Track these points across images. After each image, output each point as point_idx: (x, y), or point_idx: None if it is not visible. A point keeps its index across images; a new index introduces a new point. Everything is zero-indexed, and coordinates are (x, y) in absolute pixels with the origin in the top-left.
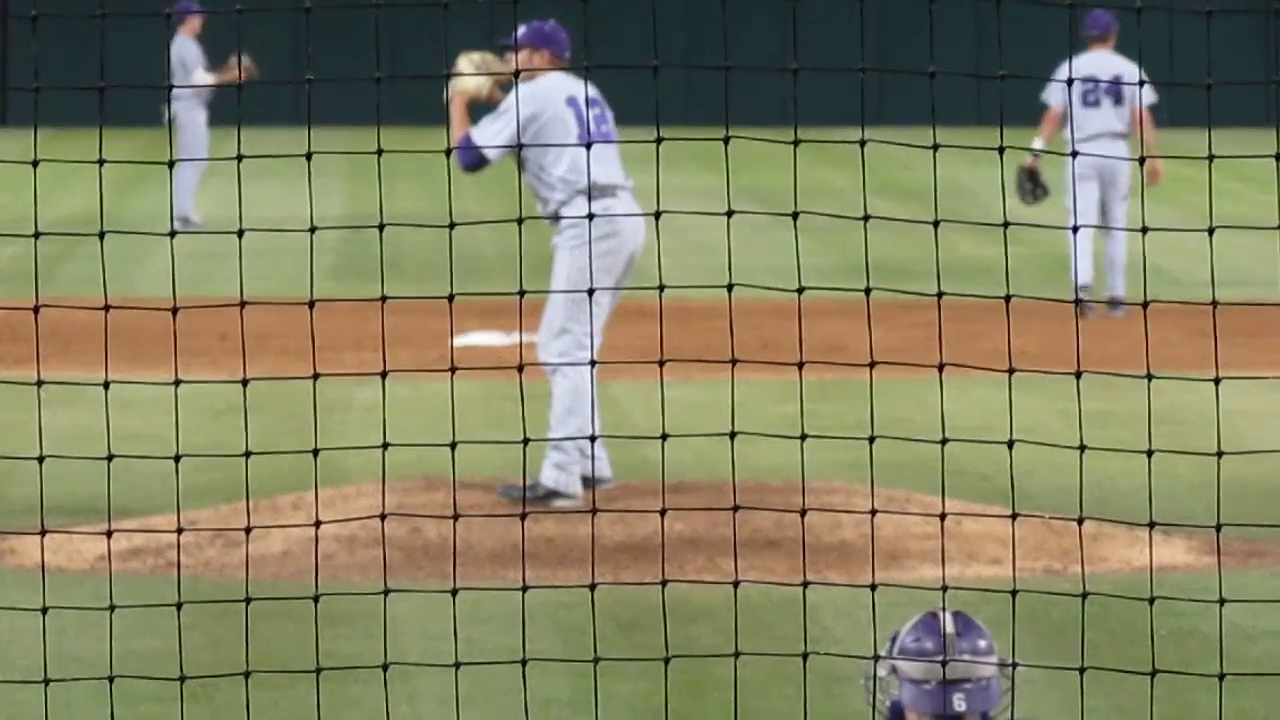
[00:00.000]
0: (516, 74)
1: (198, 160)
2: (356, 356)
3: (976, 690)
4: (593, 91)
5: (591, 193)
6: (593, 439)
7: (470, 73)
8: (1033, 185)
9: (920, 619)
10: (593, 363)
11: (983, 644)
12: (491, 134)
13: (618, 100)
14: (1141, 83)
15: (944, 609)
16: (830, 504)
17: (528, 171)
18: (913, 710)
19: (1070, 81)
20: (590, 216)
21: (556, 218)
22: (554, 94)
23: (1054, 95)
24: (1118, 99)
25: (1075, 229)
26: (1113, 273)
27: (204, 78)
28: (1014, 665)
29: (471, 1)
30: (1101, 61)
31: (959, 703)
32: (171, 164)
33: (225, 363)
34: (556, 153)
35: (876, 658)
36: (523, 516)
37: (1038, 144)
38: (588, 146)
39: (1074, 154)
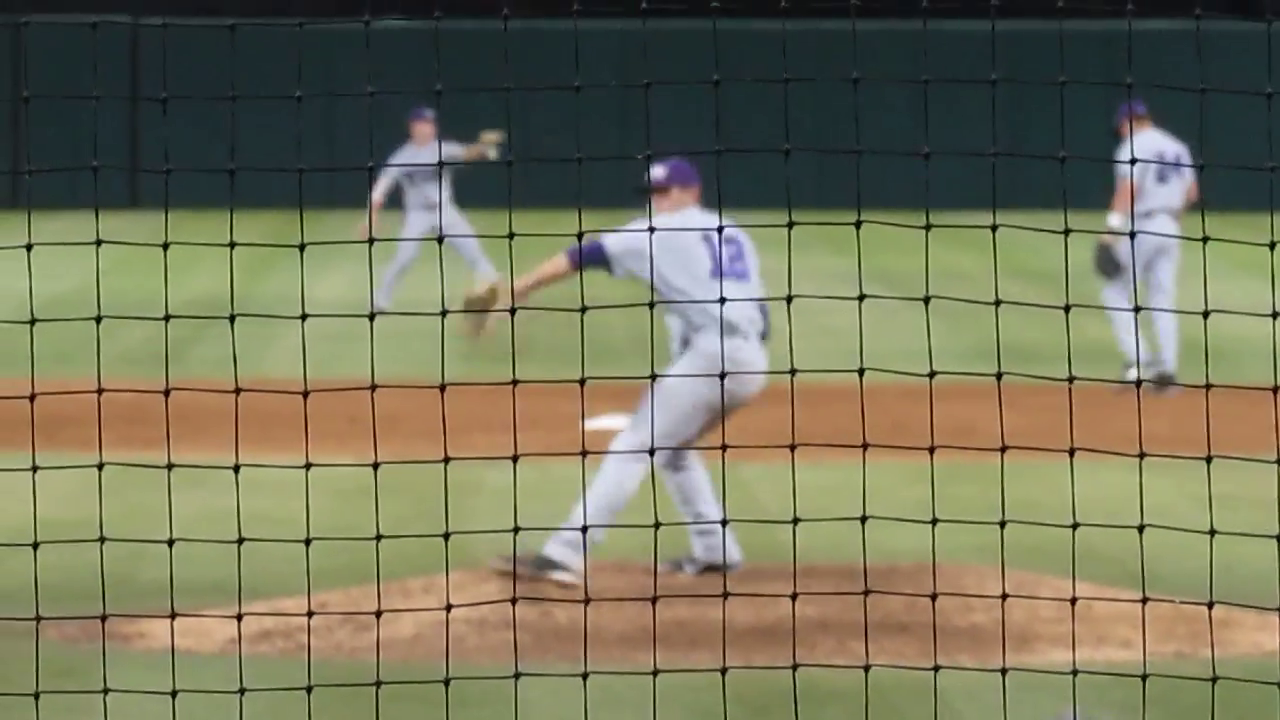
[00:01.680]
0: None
1: (408, 254)
2: (487, 439)
3: None
4: (733, 229)
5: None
6: (724, 522)
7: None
8: (1112, 264)
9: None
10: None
11: None
12: (622, 246)
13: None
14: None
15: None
16: (961, 587)
17: (659, 295)
18: None
19: (1133, 161)
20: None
21: (685, 342)
22: (689, 232)
23: (1125, 172)
24: (1179, 176)
25: (1138, 309)
26: (1169, 350)
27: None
28: None
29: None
30: (1159, 139)
31: None
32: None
33: (355, 445)
34: (687, 281)
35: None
36: (654, 600)
37: (1115, 221)
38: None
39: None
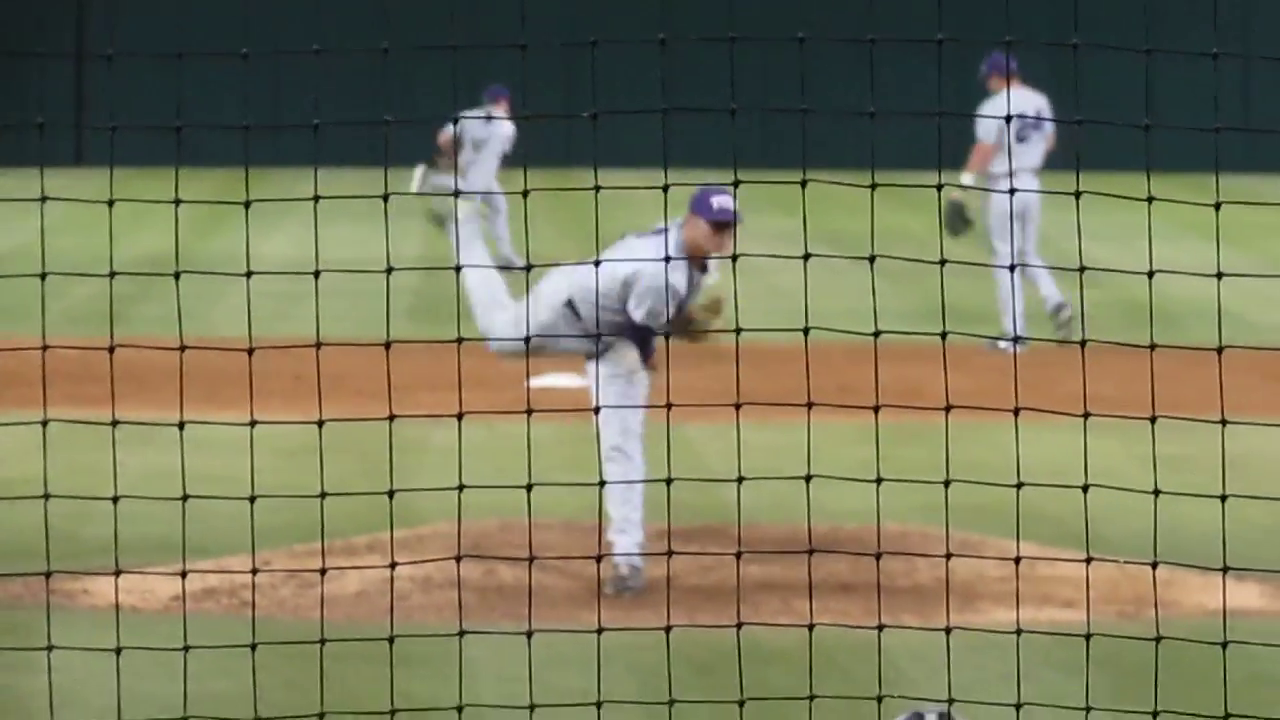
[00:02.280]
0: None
1: (501, 209)
2: (432, 398)
3: None
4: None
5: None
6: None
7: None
8: (962, 221)
9: (908, 715)
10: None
11: None
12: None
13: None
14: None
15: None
16: (905, 547)
17: (605, 293)
18: None
19: (1009, 118)
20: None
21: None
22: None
23: (989, 131)
24: (1041, 134)
25: (1013, 268)
26: (1052, 296)
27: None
28: None
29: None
30: (1025, 96)
31: None
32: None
33: (301, 403)
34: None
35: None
36: (598, 559)
37: (967, 179)
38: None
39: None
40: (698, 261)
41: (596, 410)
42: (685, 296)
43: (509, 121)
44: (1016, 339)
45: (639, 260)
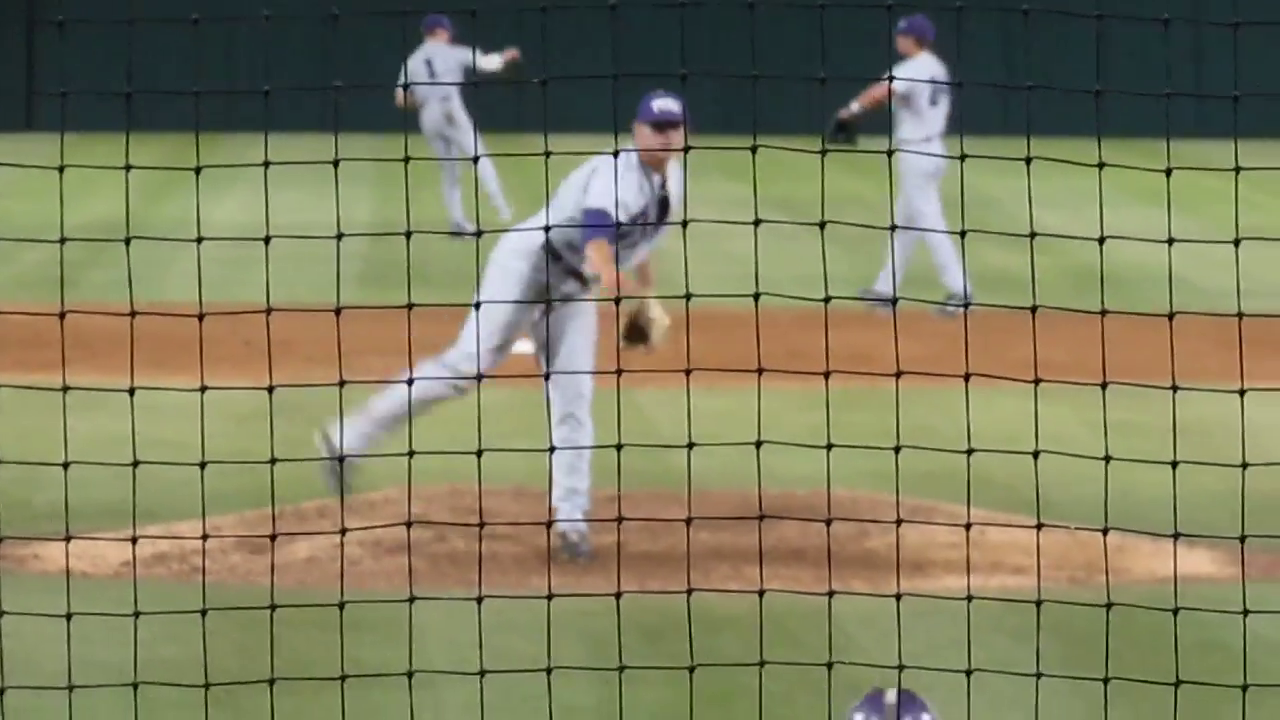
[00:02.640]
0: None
1: (452, 170)
2: (382, 363)
3: None
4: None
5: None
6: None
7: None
8: (845, 134)
9: (866, 697)
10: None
11: (926, 718)
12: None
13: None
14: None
15: (894, 689)
16: (856, 513)
17: (574, 213)
18: None
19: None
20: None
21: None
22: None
23: (907, 86)
24: (948, 100)
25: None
26: (955, 271)
27: (487, 61)
28: None
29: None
30: (934, 63)
31: None
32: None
33: (251, 369)
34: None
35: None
36: (548, 525)
37: (855, 107)
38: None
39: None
40: (654, 169)
41: (546, 376)
42: (641, 210)
43: (453, 48)
44: (966, 300)
45: (596, 158)
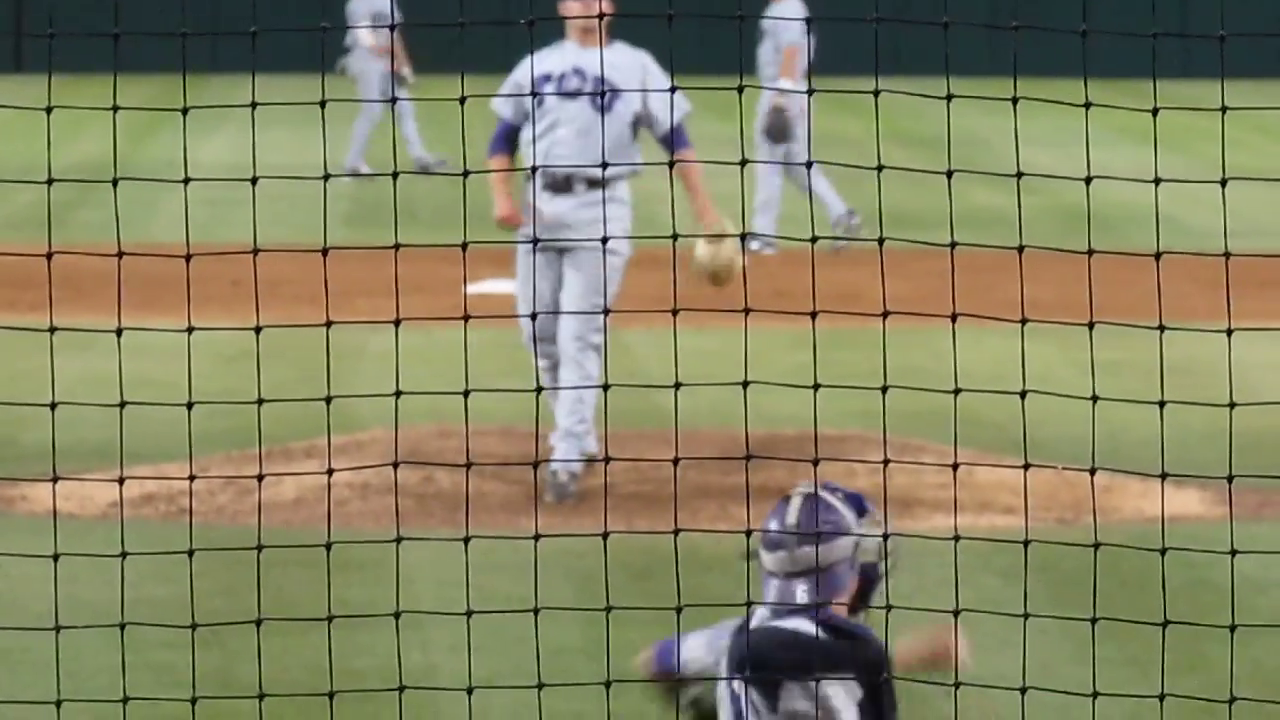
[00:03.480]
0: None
1: (373, 112)
2: (370, 303)
3: (812, 581)
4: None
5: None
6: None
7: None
8: (783, 129)
9: (776, 506)
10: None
11: (828, 528)
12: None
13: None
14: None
15: (802, 494)
16: (843, 453)
17: (627, 126)
18: (767, 603)
19: (809, 20)
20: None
21: (607, 182)
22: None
23: (794, 35)
24: (811, 40)
25: (810, 164)
26: (835, 205)
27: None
28: (884, 537)
29: None
30: (802, 5)
31: (801, 595)
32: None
33: (238, 309)
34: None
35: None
36: (535, 465)
37: (786, 84)
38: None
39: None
40: (581, 44)
41: (533, 317)
42: (544, 74)
43: None
44: (850, 214)
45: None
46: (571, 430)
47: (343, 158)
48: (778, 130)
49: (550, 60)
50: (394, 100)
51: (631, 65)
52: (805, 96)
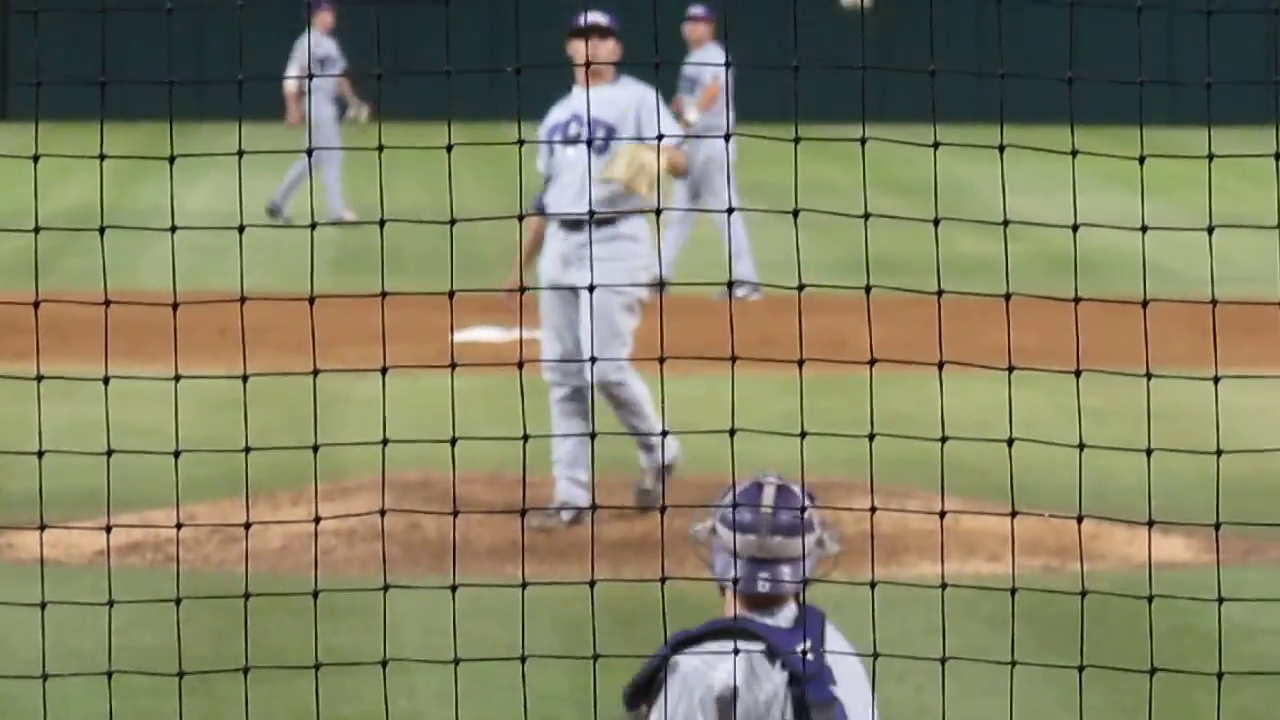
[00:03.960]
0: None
1: (336, 156)
2: (356, 351)
3: (777, 570)
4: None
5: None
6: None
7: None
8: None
9: (747, 486)
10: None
11: (792, 520)
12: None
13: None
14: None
15: (772, 481)
16: (830, 500)
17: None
18: (721, 579)
19: (728, 65)
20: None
21: (610, 221)
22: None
23: (716, 74)
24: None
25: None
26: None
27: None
28: (838, 550)
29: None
30: (720, 50)
31: (763, 584)
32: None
33: (225, 357)
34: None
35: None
36: (522, 513)
37: (694, 115)
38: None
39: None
40: (583, 85)
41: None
42: (556, 123)
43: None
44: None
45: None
46: (645, 444)
47: (301, 205)
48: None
49: (559, 110)
50: (309, 151)
51: (628, 99)
52: (724, 143)
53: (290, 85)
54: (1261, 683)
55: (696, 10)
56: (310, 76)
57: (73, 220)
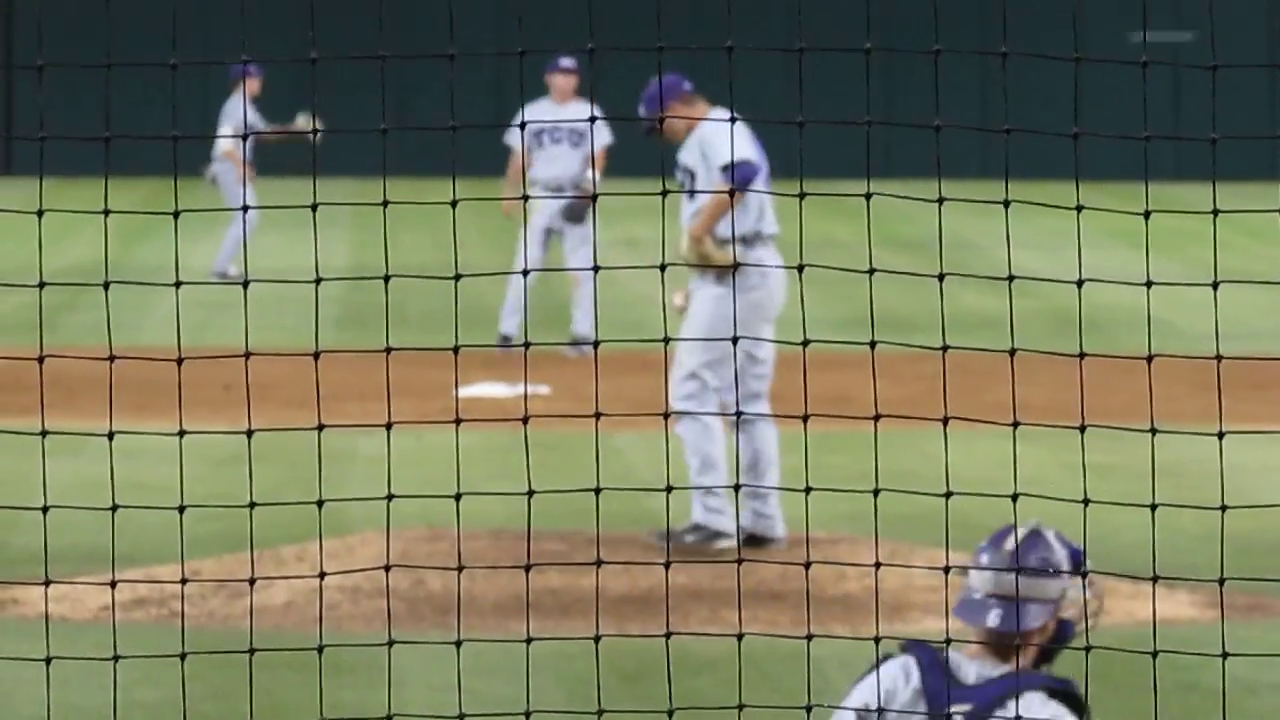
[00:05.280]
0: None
1: (239, 217)
2: (361, 407)
3: (1010, 609)
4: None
5: (748, 240)
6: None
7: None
8: (582, 212)
9: (999, 530)
10: (739, 413)
11: (1037, 564)
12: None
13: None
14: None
15: (1027, 527)
16: (834, 556)
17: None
18: (955, 615)
19: (524, 125)
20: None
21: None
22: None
23: (605, 137)
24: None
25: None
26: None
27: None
28: (1084, 573)
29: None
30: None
31: (993, 618)
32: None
33: (230, 413)
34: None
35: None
36: (527, 569)
37: (597, 175)
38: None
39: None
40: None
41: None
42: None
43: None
44: (596, 344)
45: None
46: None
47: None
48: (572, 213)
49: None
50: (245, 209)
51: (694, 141)
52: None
53: (225, 144)
54: None
55: (566, 62)
56: (245, 136)
57: (77, 276)
